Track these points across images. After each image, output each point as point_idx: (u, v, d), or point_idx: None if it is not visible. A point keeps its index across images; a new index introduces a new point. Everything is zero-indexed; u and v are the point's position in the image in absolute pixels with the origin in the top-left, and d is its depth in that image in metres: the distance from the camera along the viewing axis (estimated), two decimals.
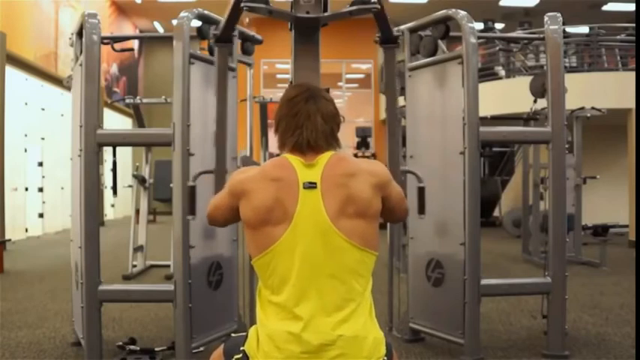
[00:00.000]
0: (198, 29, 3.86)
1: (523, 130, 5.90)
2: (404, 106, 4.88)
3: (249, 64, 4.39)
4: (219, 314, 3.99)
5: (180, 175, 3.55)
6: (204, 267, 3.86)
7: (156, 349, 3.92)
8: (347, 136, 13.88)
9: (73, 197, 4.07)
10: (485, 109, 5.25)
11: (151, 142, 5.46)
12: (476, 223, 3.89)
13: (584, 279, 6.79)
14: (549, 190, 4.06)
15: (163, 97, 6.98)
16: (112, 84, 16.69)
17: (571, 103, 4.75)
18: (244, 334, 1.95)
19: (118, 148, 5.50)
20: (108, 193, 10.65)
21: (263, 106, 8.54)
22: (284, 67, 16.33)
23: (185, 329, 3.58)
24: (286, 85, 2.29)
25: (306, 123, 1.93)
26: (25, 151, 11.32)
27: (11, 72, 10.37)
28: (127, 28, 17.86)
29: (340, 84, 17.62)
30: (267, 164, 1.96)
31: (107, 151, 5.46)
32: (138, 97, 8.06)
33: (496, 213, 13.50)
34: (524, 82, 7.67)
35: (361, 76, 18.53)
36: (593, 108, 7.96)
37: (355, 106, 17.95)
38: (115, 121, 15.94)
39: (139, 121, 7.95)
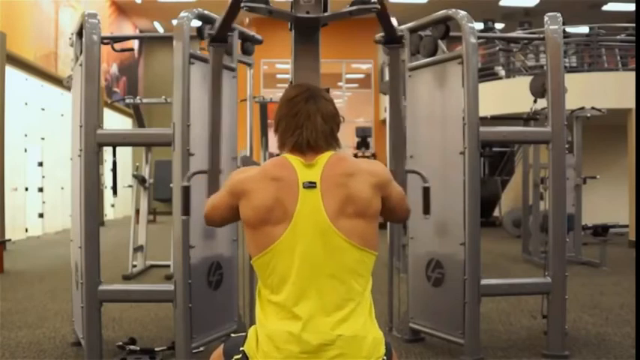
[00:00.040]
0: (198, 29, 3.86)
1: (523, 130, 5.90)
2: (404, 106, 4.88)
3: (249, 64, 4.39)
4: (219, 314, 3.99)
5: (180, 175, 3.54)
6: (204, 267, 3.86)
7: (156, 349, 3.92)
8: (347, 136, 13.88)
9: (73, 197, 4.07)
10: (485, 109, 5.26)
11: (151, 142, 5.46)
12: (476, 223, 3.89)
13: (584, 279, 6.79)
14: (549, 190, 4.06)
15: (163, 97, 6.99)
16: (112, 84, 16.69)
17: (571, 103, 4.75)
18: (244, 334, 1.95)
19: (118, 148, 5.51)
20: (108, 193, 10.65)
21: (263, 106, 8.54)
22: (284, 67, 16.33)
23: (185, 329, 3.58)
24: (286, 85, 2.29)
25: (306, 123, 1.93)
26: (25, 151, 11.32)
27: (11, 72, 10.37)
28: (127, 28, 17.86)
29: (340, 84, 17.63)
30: (267, 164, 1.96)
31: (107, 151, 5.47)
32: (138, 97, 8.06)
33: (496, 213, 13.50)
34: (524, 82, 7.67)
35: (361, 76, 18.54)
36: (593, 108, 7.96)
37: (355, 106, 17.96)
38: (115, 121, 15.95)
39: (139, 121, 7.95)
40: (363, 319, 1.85)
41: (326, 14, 2.40)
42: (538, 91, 5.58)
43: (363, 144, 13.88)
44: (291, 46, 2.52)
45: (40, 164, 11.93)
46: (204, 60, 3.88)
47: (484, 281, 3.91)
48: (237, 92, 4.17)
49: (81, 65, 3.77)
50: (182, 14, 3.66)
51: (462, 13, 3.93)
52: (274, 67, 17.28)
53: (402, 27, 4.29)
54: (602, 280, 6.80)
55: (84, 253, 3.68)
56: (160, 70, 18.73)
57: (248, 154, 4.43)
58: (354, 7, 2.41)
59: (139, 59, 19.69)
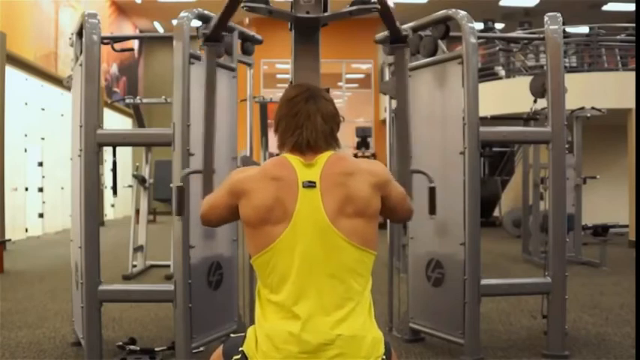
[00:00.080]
0: (198, 29, 3.86)
1: (523, 130, 5.90)
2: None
3: (249, 64, 4.39)
4: (219, 314, 3.99)
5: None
6: (204, 267, 3.86)
7: (156, 349, 3.92)
8: (347, 136, 13.88)
9: (73, 197, 4.07)
10: (485, 109, 5.26)
11: (151, 142, 5.46)
12: (476, 223, 3.89)
13: (584, 279, 6.79)
14: (549, 190, 4.06)
15: (163, 97, 6.99)
16: (112, 84, 16.69)
17: (571, 103, 4.75)
18: (243, 334, 1.95)
19: (118, 148, 5.50)
20: (108, 193, 10.65)
21: (263, 106, 8.54)
22: (284, 67, 16.33)
23: (185, 329, 3.58)
24: (286, 85, 2.29)
25: (305, 123, 1.93)
26: (25, 151, 11.32)
27: (11, 72, 10.38)
28: (127, 28, 17.86)
29: (340, 84, 17.63)
30: (266, 164, 1.96)
31: (107, 151, 5.47)
32: (138, 97, 8.06)
33: (496, 213, 13.50)
34: (524, 82, 7.66)
35: (361, 76, 18.53)
36: (593, 108, 7.96)
37: (355, 106, 17.96)
38: (115, 121, 15.95)
39: (139, 121, 7.95)
40: (363, 319, 1.85)
41: (326, 14, 2.40)
42: (538, 91, 5.56)
43: (363, 144, 13.88)
44: (291, 46, 2.52)
45: (40, 164, 11.93)
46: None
47: (484, 281, 3.91)
48: (237, 92, 4.17)
49: (81, 65, 3.77)
50: (182, 14, 3.66)
51: (462, 13, 3.93)
52: (274, 67, 17.28)
53: (402, 27, 4.28)
54: (602, 280, 6.80)
55: (84, 253, 3.68)
56: (160, 70, 18.74)
57: (248, 154, 4.43)
58: (354, 7, 2.41)
59: (139, 59, 19.69)
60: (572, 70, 11.22)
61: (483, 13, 14.49)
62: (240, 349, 1.90)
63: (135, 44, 18.66)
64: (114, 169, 6.30)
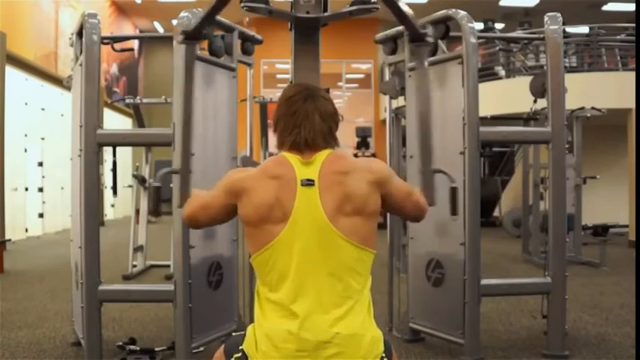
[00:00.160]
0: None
1: (523, 130, 5.90)
2: (404, 106, 4.88)
3: (249, 64, 4.39)
4: (219, 314, 3.98)
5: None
6: (204, 267, 3.86)
7: (156, 349, 3.92)
8: (347, 136, 13.89)
9: (73, 197, 4.07)
10: (485, 109, 5.25)
11: (151, 142, 5.46)
12: (476, 223, 3.89)
13: (584, 279, 6.79)
14: (549, 190, 4.06)
15: (163, 97, 6.99)
16: (112, 84, 16.69)
17: (571, 103, 4.75)
18: (244, 332, 1.95)
19: (118, 148, 5.51)
20: (108, 193, 10.65)
21: (263, 106, 8.54)
22: (284, 67, 16.33)
23: (185, 329, 3.58)
24: (286, 85, 2.29)
25: (304, 122, 1.93)
26: (25, 151, 11.32)
27: (11, 72, 10.38)
28: (127, 28, 17.86)
29: (340, 84, 17.63)
30: (265, 162, 1.97)
31: (107, 151, 5.47)
32: (138, 97, 8.06)
33: (496, 213, 13.50)
34: (524, 82, 7.65)
35: (361, 76, 18.53)
36: (593, 108, 7.95)
37: (355, 106, 17.96)
38: (115, 121, 15.95)
39: (139, 121, 7.95)
40: (362, 318, 1.85)
41: (326, 14, 2.40)
42: (538, 91, 5.56)
43: (363, 144, 13.88)
44: (291, 46, 2.51)
45: (40, 164, 11.93)
46: (204, 60, 3.88)
47: (484, 281, 3.91)
48: (237, 92, 4.17)
49: (81, 65, 3.77)
50: (182, 14, 3.65)
51: (462, 13, 3.93)
52: (274, 67, 17.27)
53: (402, 27, 4.29)
54: (602, 280, 6.80)
55: (84, 253, 3.68)
56: (160, 70, 18.73)
57: (248, 154, 4.43)
58: (354, 7, 2.41)
59: (139, 59, 19.69)
60: (572, 70, 11.21)
61: (483, 13, 14.49)
62: (240, 347, 1.90)
63: (135, 44, 18.67)
64: (114, 169, 6.31)
